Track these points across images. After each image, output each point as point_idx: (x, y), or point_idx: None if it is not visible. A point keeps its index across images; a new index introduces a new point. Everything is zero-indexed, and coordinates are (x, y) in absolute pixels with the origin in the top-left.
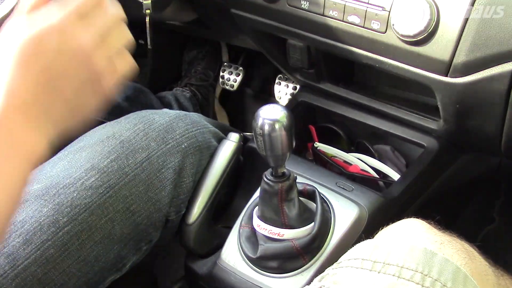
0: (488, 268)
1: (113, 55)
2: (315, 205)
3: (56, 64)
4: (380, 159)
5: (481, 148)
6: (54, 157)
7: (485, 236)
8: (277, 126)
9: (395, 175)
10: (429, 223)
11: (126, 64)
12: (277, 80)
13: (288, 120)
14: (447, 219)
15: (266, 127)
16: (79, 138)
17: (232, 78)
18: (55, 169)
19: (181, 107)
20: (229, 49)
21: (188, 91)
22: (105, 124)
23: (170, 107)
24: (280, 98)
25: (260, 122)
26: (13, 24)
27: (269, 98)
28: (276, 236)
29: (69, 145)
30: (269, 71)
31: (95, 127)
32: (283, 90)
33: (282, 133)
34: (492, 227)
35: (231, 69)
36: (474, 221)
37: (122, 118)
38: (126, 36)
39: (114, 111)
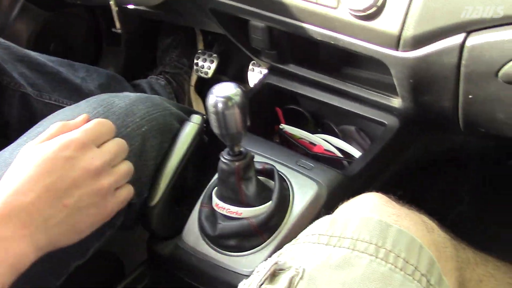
0: (447, 240)
1: (118, 180)
2: (274, 183)
3: (68, 175)
4: (345, 139)
5: (441, 125)
6: (13, 144)
7: (455, 216)
8: (230, 103)
9: (358, 154)
10: (389, 197)
11: (127, 193)
12: (250, 67)
13: (241, 98)
14: (414, 198)
15: (219, 105)
16: (39, 123)
17: (206, 66)
18: (14, 156)
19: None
20: (204, 36)
21: (163, 79)
22: (64, 108)
23: None
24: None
25: (212, 100)
26: (36, 141)
27: (244, 85)
28: (234, 215)
29: (28, 131)
30: (244, 58)
31: (55, 111)
32: (257, 77)
33: (236, 111)
34: (462, 207)
35: (206, 56)
36: (443, 201)
37: (82, 102)
38: (129, 168)
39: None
